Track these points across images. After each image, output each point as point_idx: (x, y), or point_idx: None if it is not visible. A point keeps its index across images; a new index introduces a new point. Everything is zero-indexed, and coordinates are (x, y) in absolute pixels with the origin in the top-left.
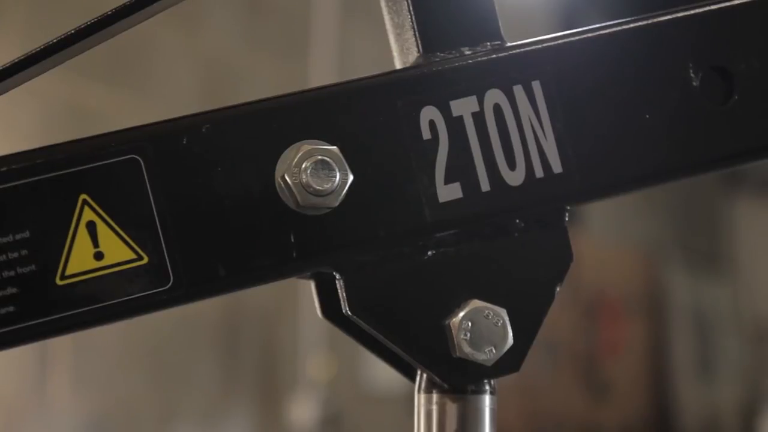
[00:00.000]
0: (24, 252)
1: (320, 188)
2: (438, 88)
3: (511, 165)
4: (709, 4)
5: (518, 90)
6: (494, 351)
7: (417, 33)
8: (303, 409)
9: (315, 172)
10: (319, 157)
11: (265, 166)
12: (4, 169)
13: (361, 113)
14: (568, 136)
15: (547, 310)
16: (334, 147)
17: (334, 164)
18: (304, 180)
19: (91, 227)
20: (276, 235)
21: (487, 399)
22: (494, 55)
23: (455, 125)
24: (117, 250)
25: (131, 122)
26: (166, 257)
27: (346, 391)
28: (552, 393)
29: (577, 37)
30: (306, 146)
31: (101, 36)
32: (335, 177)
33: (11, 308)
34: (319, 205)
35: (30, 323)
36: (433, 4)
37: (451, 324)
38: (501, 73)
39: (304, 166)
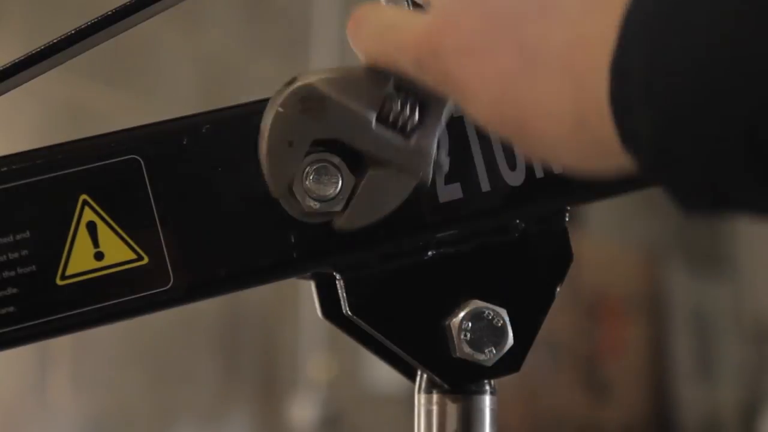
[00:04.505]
0: (24, 252)
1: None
2: None
3: (511, 165)
4: None
5: None
6: (494, 351)
7: None
8: (303, 409)
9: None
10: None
11: None
12: (4, 169)
13: None
14: None
15: (547, 310)
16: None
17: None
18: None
19: (91, 227)
20: (276, 236)
21: (487, 399)
22: None
23: (455, 125)
24: (117, 251)
25: (131, 122)
26: (166, 257)
27: (346, 391)
28: (552, 393)
29: None
30: None
31: (101, 36)
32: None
33: (11, 308)
34: None
35: (30, 323)
36: None
37: (451, 324)
38: None
39: None
